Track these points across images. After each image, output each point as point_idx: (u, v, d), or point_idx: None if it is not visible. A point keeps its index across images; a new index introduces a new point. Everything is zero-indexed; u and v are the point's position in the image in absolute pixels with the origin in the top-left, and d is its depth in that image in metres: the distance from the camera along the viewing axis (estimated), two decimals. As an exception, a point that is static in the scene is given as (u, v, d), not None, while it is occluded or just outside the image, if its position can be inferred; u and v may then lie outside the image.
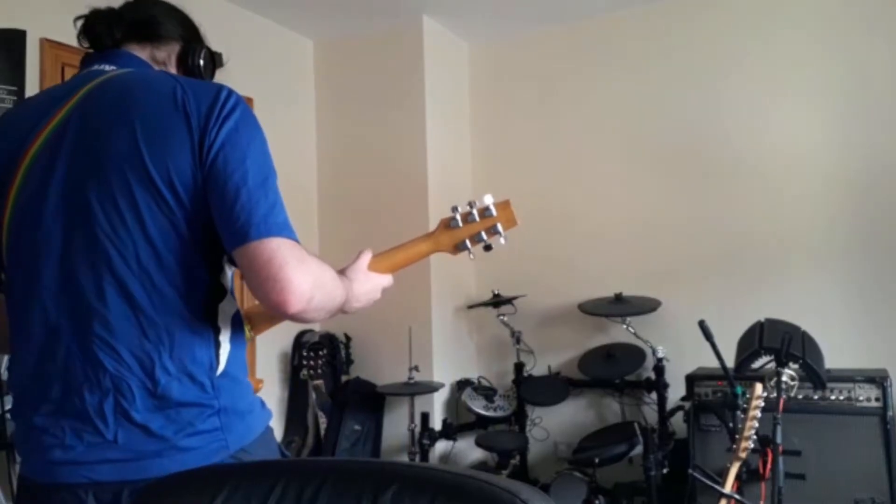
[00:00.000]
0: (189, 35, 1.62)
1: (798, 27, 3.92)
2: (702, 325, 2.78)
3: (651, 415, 3.97)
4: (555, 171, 4.47)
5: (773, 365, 2.82)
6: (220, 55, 1.68)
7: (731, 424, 2.92)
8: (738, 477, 2.59)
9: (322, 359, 4.26)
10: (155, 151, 1.28)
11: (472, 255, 1.73)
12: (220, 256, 1.38)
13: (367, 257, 1.62)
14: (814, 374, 2.84)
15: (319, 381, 4.22)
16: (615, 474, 3.82)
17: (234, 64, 4.25)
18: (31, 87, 3.10)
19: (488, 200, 1.69)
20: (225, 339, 1.40)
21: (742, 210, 3.98)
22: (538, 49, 4.59)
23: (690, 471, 2.90)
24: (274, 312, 1.28)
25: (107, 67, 1.45)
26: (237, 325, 1.46)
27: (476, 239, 1.70)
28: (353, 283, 1.53)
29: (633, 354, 4.02)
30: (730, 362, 2.90)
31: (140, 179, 1.27)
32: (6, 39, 2.99)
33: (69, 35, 3.22)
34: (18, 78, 3.02)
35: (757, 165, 3.96)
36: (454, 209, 1.70)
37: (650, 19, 4.28)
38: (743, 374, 2.93)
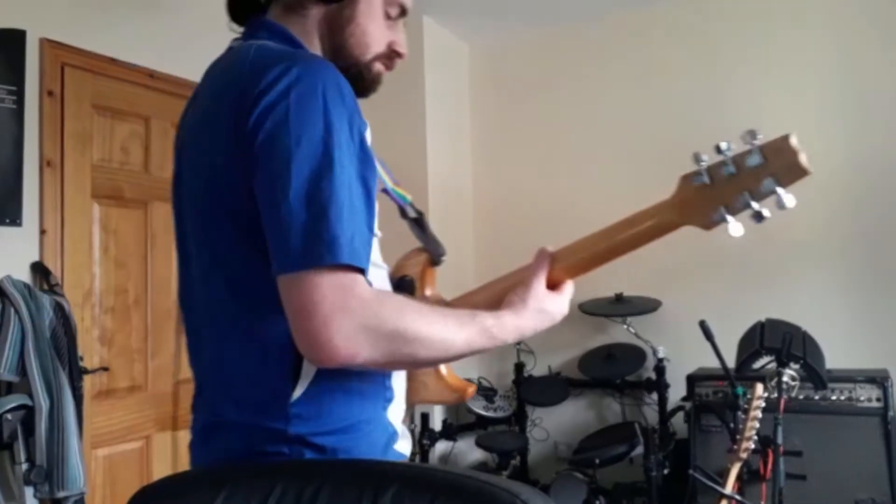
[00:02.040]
0: None
1: (798, 28, 3.92)
2: (702, 325, 2.78)
3: (651, 415, 3.96)
4: (555, 171, 4.46)
5: (773, 365, 2.82)
6: None
7: (731, 425, 2.91)
8: (738, 477, 2.59)
9: (322, 359, 4.25)
10: (209, 158, 1.15)
11: (736, 232, 1.14)
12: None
13: (543, 270, 1.23)
14: (815, 375, 2.84)
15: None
16: (615, 475, 3.81)
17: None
18: (31, 88, 3.09)
19: (753, 140, 1.08)
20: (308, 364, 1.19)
21: (743, 210, 3.97)
22: (538, 50, 4.59)
23: (691, 471, 2.90)
24: (304, 351, 1.04)
25: (234, 45, 1.28)
26: None
27: (735, 206, 1.10)
28: (506, 319, 1.20)
29: (633, 355, 4.02)
30: (730, 362, 2.90)
31: (201, 187, 1.17)
32: (6, 39, 2.99)
33: (69, 35, 3.26)
34: (18, 78, 3.02)
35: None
36: (698, 159, 1.16)
37: (649, 21, 4.28)
38: (744, 374, 2.92)
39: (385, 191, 1.29)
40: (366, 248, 1.05)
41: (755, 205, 1.05)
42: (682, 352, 3.84)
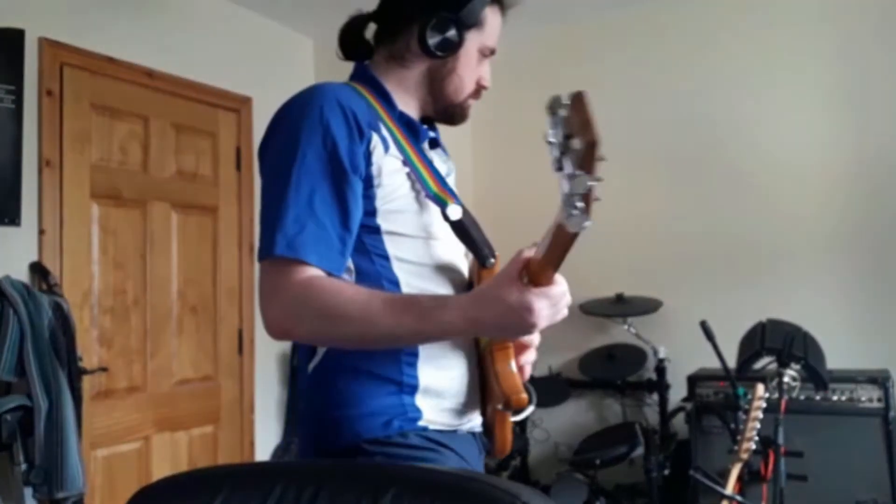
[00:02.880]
0: (430, 4, 1.44)
1: (799, 28, 3.91)
2: (703, 325, 2.78)
3: (652, 416, 3.96)
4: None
5: (774, 366, 2.81)
6: (462, 11, 1.44)
7: (732, 425, 2.91)
8: (739, 478, 2.59)
9: (322, 359, 4.24)
10: None
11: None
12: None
13: (513, 264, 1.24)
14: (816, 375, 2.83)
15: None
16: (616, 476, 3.81)
17: (233, 63, 4.28)
18: (30, 87, 3.09)
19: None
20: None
21: (744, 210, 3.97)
22: (539, 49, 4.58)
23: (692, 472, 2.89)
24: None
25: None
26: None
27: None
28: (451, 302, 1.27)
29: (634, 355, 4.01)
30: (731, 363, 2.89)
31: None
32: (4, 38, 2.99)
33: (68, 34, 3.25)
34: (16, 78, 3.02)
35: (759, 165, 3.95)
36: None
37: (650, 20, 4.27)
38: (745, 374, 2.91)
39: (428, 196, 1.41)
40: (316, 243, 1.27)
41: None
42: (682, 352, 3.83)
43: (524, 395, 1.31)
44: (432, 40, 1.43)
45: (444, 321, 1.23)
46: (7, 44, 2.99)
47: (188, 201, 3.81)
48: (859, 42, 3.78)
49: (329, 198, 1.30)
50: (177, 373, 3.72)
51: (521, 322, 1.19)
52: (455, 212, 1.41)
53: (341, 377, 1.36)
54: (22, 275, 3.00)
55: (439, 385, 1.40)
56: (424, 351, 1.37)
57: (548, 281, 1.19)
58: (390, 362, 1.36)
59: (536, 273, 1.19)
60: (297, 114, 1.34)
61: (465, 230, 1.44)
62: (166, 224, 3.70)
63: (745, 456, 2.53)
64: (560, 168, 1.02)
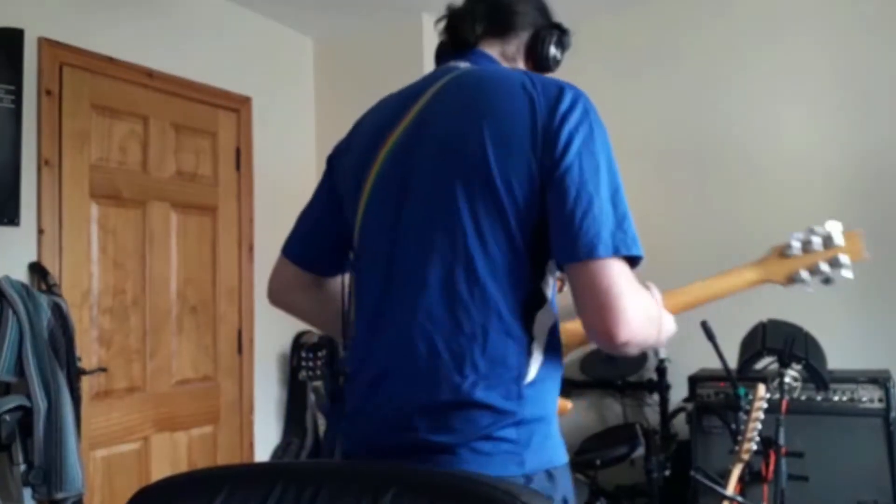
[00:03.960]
0: (541, 20, 1.56)
1: (801, 27, 3.91)
2: (704, 325, 2.77)
3: (653, 416, 3.95)
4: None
5: (775, 366, 2.81)
6: (568, 35, 1.60)
7: (733, 426, 2.90)
8: (740, 479, 2.58)
9: (321, 360, 4.24)
10: (499, 154, 1.24)
11: (810, 289, 1.61)
12: (545, 262, 1.30)
13: (657, 292, 1.40)
14: (816, 375, 2.83)
15: (318, 383, 4.20)
16: (617, 476, 3.80)
17: (233, 63, 4.28)
18: (29, 87, 3.08)
19: (834, 229, 1.57)
20: (538, 349, 1.28)
21: (744, 209, 3.96)
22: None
23: (692, 473, 2.88)
24: (594, 338, 1.24)
25: (461, 64, 1.43)
26: (554, 338, 1.32)
27: (815, 270, 1.57)
28: (664, 322, 1.37)
29: (634, 355, 4.00)
30: (732, 363, 2.88)
31: (479, 178, 1.24)
32: (4, 38, 2.98)
33: (67, 34, 3.25)
34: (16, 77, 3.00)
35: (759, 164, 3.94)
36: (792, 237, 1.60)
37: (651, 20, 4.27)
38: (746, 375, 2.91)
39: None
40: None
41: (827, 271, 1.53)
42: (683, 352, 3.81)
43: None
44: (552, 52, 1.55)
45: (668, 330, 1.40)
46: (6, 43, 2.98)
47: (188, 201, 3.81)
48: (860, 41, 3.77)
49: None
50: (176, 373, 3.71)
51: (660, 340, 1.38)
52: None
53: (548, 387, 1.29)
54: (21, 275, 3.00)
55: None
56: None
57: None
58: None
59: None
60: (601, 121, 1.36)
61: None
62: (166, 224, 3.69)
63: (745, 456, 2.53)
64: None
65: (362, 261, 1.40)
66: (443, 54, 1.52)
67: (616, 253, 1.19)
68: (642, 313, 1.21)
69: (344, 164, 1.49)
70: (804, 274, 1.56)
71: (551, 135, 1.23)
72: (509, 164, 1.23)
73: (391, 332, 1.30)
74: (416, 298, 1.27)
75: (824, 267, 1.54)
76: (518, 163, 1.23)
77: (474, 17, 1.48)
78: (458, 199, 1.25)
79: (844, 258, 1.50)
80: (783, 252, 1.59)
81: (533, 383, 1.25)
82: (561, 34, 1.56)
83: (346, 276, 1.51)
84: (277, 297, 1.67)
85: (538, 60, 1.52)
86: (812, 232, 1.57)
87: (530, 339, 1.26)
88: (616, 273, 1.19)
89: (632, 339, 1.20)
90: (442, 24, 1.52)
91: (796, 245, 1.58)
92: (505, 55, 1.50)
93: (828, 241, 1.55)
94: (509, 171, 1.23)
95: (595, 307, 1.19)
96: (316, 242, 1.59)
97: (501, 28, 1.49)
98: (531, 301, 1.28)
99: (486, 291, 1.24)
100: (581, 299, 1.22)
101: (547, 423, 1.27)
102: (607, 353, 1.36)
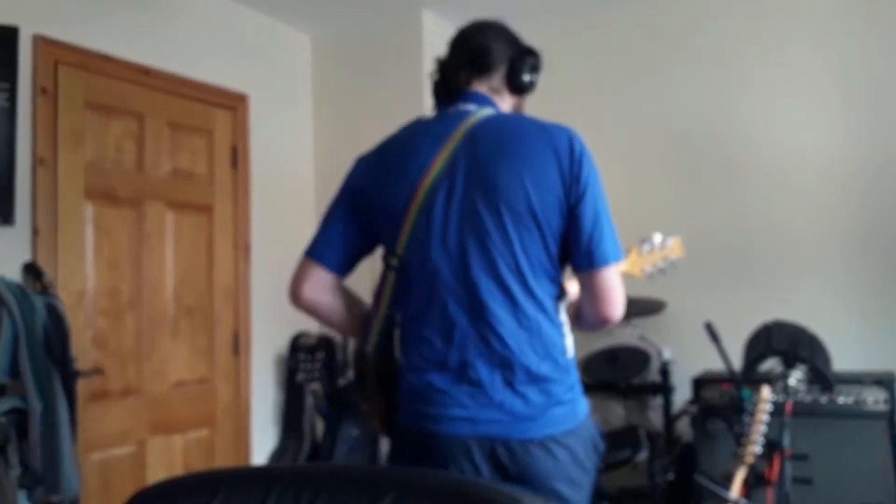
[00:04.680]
0: (513, 52, 1.87)
1: (802, 26, 3.90)
2: (708, 327, 2.74)
3: (656, 419, 3.93)
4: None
5: (780, 368, 2.79)
6: (539, 57, 1.89)
7: (737, 428, 2.88)
8: (744, 482, 2.55)
9: (319, 362, 4.21)
10: (535, 188, 1.65)
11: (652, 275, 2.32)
12: (564, 264, 1.74)
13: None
14: (821, 377, 2.81)
15: (316, 385, 4.17)
16: (620, 479, 3.77)
17: (230, 61, 4.25)
18: (24, 85, 3.07)
19: (664, 237, 2.32)
20: (566, 329, 1.75)
21: (749, 210, 3.94)
22: (539, 43, 4.51)
23: (696, 476, 2.86)
24: (597, 319, 1.75)
25: (470, 107, 1.79)
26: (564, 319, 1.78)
27: (656, 264, 2.28)
28: None
29: (637, 357, 3.98)
30: (737, 365, 2.86)
31: (523, 208, 1.65)
32: (-2, 36, 2.96)
33: (63, 32, 3.22)
34: (10, 75, 3.00)
35: (764, 165, 3.93)
36: (644, 242, 2.28)
37: (653, 15, 4.25)
38: (750, 376, 2.89)
39: None
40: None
41: (663, 265, 2.28)
42: (687, 354, 3.80)
43: None
44: (527, 79, 1.87)
45: None
46: (1, 41, 2.97)
47: (183, 200, 3.79)
48: (862, 42, 3.76)
49: None
50: (172, 375, 3.69)
51: None
52: None
53: (574, 362, 1.77)
54: (15, 275, 2.97)
55: None
56: None
57: None
58: None
59: None
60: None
61: None
62: (161, 223, 3.67)
63: (750, 459, 2.50)
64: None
65: (412, 269, 1.73)
66: (441, 96, 1.87)
67: (615, 261, 1.71)
68: (623, 299, 1.75)
69: (378, 184, 1.79)
70: (649, 268, 2.24)
71: (573, 177, 1.67)
72: (546, 200, 1.66)
73: (462, 334, 1.67)
74: (481, 304, 1.66)
75: (661, 263, 2.25)
76: (552, 198, 1.66)
77: (459, 65, 1.84)
78: (506, 225, 1.65)
79: (673, 255, 2.26)
80: (639, 251, 2.21)
81: (569, 357, 1.73)
82: (532, 59, 1.87)
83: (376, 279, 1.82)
84: (306, 298, 1.84)
85: (517, 88, 1.87)
86: (653, 238, 2.26)
87: (562, 324, 1.73)
88: (615, 275, 1.72)
89: (619, 318, 1.76)
90: (435, 75, 1.89)
91: (647, 247, 2.21)
92: (492, 89, 1.85)
93: (664, 243, 2.27)
94: (546, 205, 1.66)
95: (602, 299, 1.72)
96: (345, 248, 1.84)
97: (482, 68, 1.83)
98: (559, 295, 1.74)
99: (535, 294, 1.67)
100: (591, 293, 1.73)
101: (579, 382, 1.75)
102: (589, 330, 1.85)
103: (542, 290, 1.68)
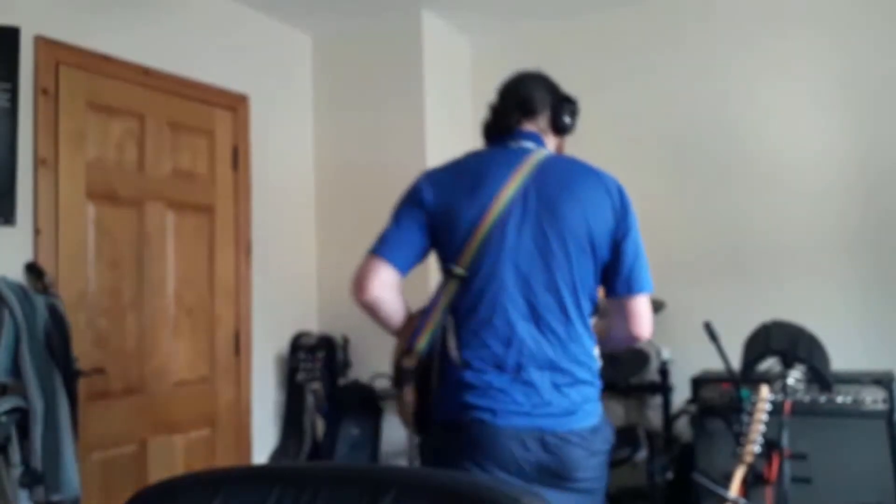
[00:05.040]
0: (554, 98, 2.16)
1: (804, 25, 3.90)
2: (707, 326, 2.75)
3: (655, 418, 3.93)
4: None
5: (779, 367, 2.79)
6: (576, 104, 2.19)
7: (736, 428, 2.88)
8: (743, 481, 2.56)
9: (319, 361, 4.22)
10: (594, 222, 1.96)
11: None
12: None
13: None
14: (820, 377, 2.81)
15: (317, 384, 4.18)
16: (619, 479, 3.76)
17: (231, 61, 4.26)
18: (25, 85, 3.07)
19: None
20: (595, 342, 2.05)
21: (748, 210, 3.95)
22: (540, 44, 4.56)
23: (695, 475, 2.87)
24: (628, 338, 2.08)
25: (528, 145, 2.09)
26: None
27: None
28: None
29: (637, 357, 3.98)
30: (736, 364, 2.86)
31: (583, 237, 1.95)
32: (0, 37, 2.96)
33: (64, 32, 3.23)
34: (12, 76, 3.00)
35: (763, 165, 3.93)
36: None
37: (654, 15, 4.26)
38: (749, 376, 2.89)
39: None
40: None
41: None
42: (686, 354, 3.80)
43: None
44: (567, 122, 2.16)
45: None
46: (2, 42, 2.97)
47: (184, 201, 3.79)
48: (864, 42, 3.76)
49: None
50: (173, 374, 3.69)
51: None
52: None
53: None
54: (17, 275, 2.98)
55: None
56: None
57: None
58: None
59: None
60: None
61: None
62: (162, 224, 3.67)
63: (749, 459, 2.51)
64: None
65: (477, 279, 1.97)
66: (493, 134, 2.18)
67: (649, 291, 2.04)
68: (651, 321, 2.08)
69: (450, 200, 2.02)
70: None
71: (621, 216, 1.99)
72: (601, 232, 1.97)
73: (520, 341, 1.94)
74: (539, 315, 1.95)
75: None
76: (605, 231, 1.97)
77: (511, 110, 2.14)
78: (569, 249, 1.95)
79: None
80: None
81: (597, 365, 2.04)
82: (570, 106, 2.17)
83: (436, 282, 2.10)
84: (374, 294, 2.02)
85: (559, 130, 2.16)
86: None
87: (594, 337, 2.05)
88: (647, 302, 2.05)
89: (648, 336, 2.07)
90: (488, 117, 2.20)
91: None
92: (539, 129, 2.13)
93: None
94: (601, 238, 1.97)
95: (636, 321, 2.04)
96: (410, 251, 2.05)
97: (530, 113, 2.12)
98: (594, 312, 2.05)
99: (581, 310, 1.98)
100: (626, 316, 2.04)
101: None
102: (616, 349, 2.21)
103: (586, 308, 1.99)
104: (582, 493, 1.99)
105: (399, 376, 2.06)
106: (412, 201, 2.07)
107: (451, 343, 2.01)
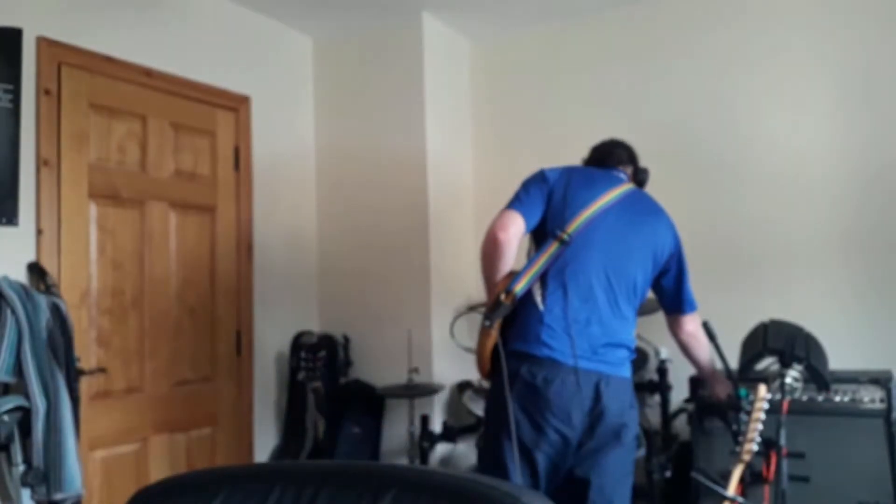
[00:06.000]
0: (635, 159, 2.98)
1: (802, 25, 3.90)
2: (705, 325, 2.76)
3: (654, 417, 3.93)
4: (556, 171, 4.43)
5: (777, 366, 2.80)
6: (647, 172, 3.01)
7: (734, 427, 2.89)
8: (741, 480, 2.56)
9: (320, 360, 4.23)
10: (659, 242, 2.72)
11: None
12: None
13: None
14: (818, 376, 2.81)
15: (318, 383, 4.19)
16: (617, 477, 3.78)
17: (232, 62, 4.27)
18: (28, 86, 3.08)
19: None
20: (635, 328, 2.72)
21: (746, 209, 3.95)
22: (540, 46, 4.57)
23: (693, 474, 2.87)
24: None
25: (622, 176, 2.87)
26: None
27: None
28: None
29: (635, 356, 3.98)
30: (734, 363, 2.87)
31: (650, 251, 2.70)
32: (2, 37, 2.98)
33: (66, 33, 3.24)
34: (14, 77, 3.01)
35: (761, 165, 3.93)
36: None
37: (653, 16, 4.26)
38: (747, 375, 2.90)
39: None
40: None
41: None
42: (684, 353, 3.80)
43: None
44: (643, 178, 2.98)
45: None
46: (5, 43, 2.98)
47: (186, 201, 3.80)
48: (867, 43, 3.76)
49: None
50: (175, 374, 3.70)
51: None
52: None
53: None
54: (20, 275, 2.99)
55: None
56: None
57: None
58: None
59: None
60: None
61: None
62: (164, 224, 3.69)
63: (747, 457, 2.51)
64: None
65: (575, 246, 2.56)
66: (593, 162, 2.97)
67: (696, 310, 2.87)
68: None
69: (567, 186, 2.67)
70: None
71: (675, 244, 2.77)
72: (663, 251, 2.73)
73: (594, 301, 2.55)
74: (612, 290, 2.59)
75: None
76: (665, 252, 2.74)
77: (610, 156, 2.93)
78: (642, 254, 2.68)
79: None
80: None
81: (633, 343, 2.69)
82: (643, 172, 2.99)
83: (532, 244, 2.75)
84: (507, 237, 2.54)
85: (638, 182, 2.93)
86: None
87: (636, 321, 2.72)
88: (697, 318, 2.87)
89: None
90: (591, 155, 3.01)
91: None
92: (626, 173, 2.90)
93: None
94: (665, 254, 2.74)
95: (689, 333, 2.91)
96: (536, 214, 2.63)
97: (622, 162, 2.93)
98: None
99: (632, 302, 2.66)
100: (680, 325, 2.92)
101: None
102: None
103: (637, 301, 2.69)
104: (626, 447, 2.52)
105: (493, 311, 2.53)
106: (540, 179, 2.69)
107: (539, 291, 2.55)
